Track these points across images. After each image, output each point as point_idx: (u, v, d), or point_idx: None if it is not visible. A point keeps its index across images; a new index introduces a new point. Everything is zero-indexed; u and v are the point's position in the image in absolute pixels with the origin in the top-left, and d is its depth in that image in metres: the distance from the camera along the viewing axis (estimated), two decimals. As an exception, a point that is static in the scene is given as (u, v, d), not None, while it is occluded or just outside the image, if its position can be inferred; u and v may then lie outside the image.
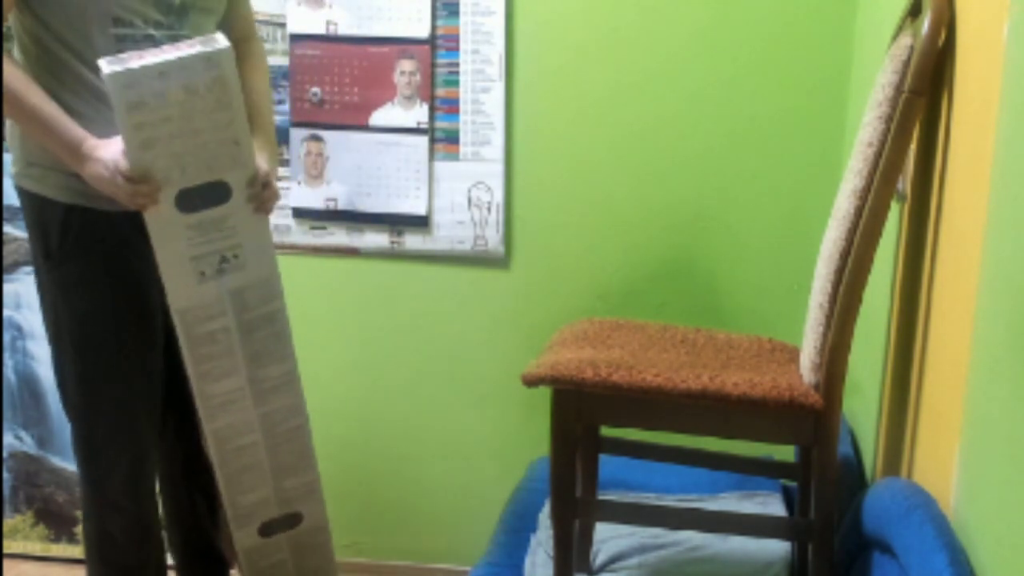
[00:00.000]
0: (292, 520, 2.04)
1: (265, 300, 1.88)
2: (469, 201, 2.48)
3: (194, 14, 1.79)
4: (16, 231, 2.76)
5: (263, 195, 1.80)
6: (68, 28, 1.69)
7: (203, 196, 1.75)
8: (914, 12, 1.53)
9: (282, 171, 2.61)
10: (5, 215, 2.75)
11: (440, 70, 2.43)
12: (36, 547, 2.89)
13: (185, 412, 1.97)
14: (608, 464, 1.93)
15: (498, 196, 2.47)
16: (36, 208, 1.77)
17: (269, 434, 1.94)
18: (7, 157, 2.70)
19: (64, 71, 1.71)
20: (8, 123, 1.80)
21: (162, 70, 1.63)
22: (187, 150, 1.71)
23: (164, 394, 1.93)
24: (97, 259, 1.77)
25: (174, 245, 1.75)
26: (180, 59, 1.64)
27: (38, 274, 1.82)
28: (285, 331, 1.92)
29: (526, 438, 2.45)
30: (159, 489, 2.06)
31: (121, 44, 1.70)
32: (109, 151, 1.65)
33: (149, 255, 1.76)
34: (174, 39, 1.74)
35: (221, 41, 1.69)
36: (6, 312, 2.79)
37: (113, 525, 1.90)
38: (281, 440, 1.96)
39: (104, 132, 1.69)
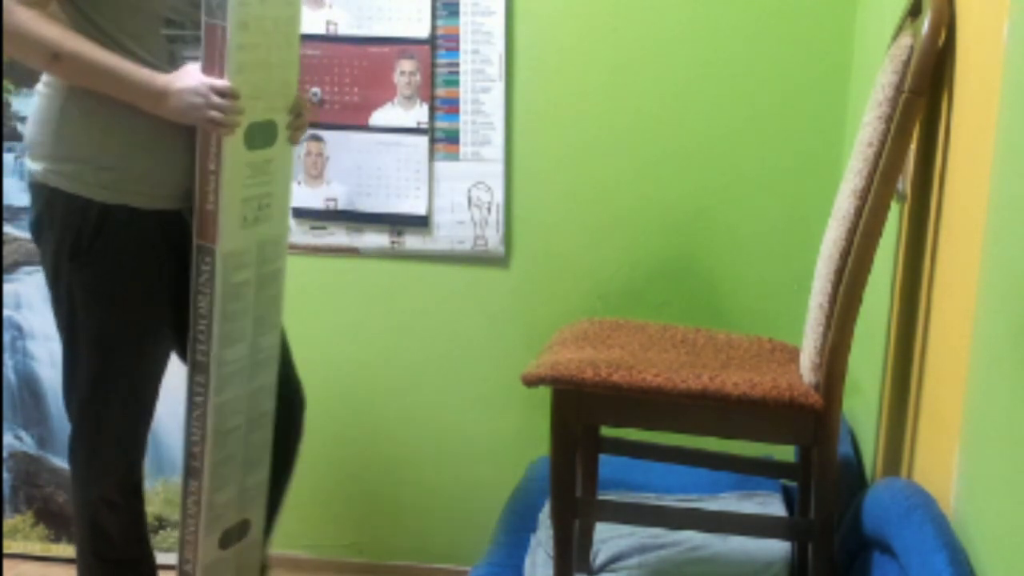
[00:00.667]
0: (243, 528, 1.99)
1: (277, 257, 1.88)
2: (469, 201, 2.48)
3: None
4: (16, 231, 2.76)
5: (296, 123, 1.83)
6: (119, 28, 1.69)
7: (262, 134, 1.76)
8: (914, 12, 1.53)
9: (282, 171, 2.61)
10: (5, 215, 2.75)
11: (440, 70, 2.43)
12: (36, 547, 2.89)
13: None
14: (608, 464, 1.93)
15: (498, 196, 2.46)
16: (65, 206, 1.74)
17: (249, 418, 1.90)
18: (8, 157, 2.71)
19: None
20: (34, 120, 1.78)
21: None
22: (262, 82, 1.72)
23: None
24: (125, 260, 1.76)
25: (235, 182, 1.73)
26: None
27: (57, 273, 1.78)
28: (281, 295, 1.91)
29: (526, 438, 2.45)
30: None
31: (173, 45, 1.71)
32: (191, 76, 1.65)
33: (167, 261, 1.77)
34: None
35: None
36: (6, 312, 2.79)
37: (108, 521, 1.91)
38: (255, 426, 1.92)
39: (157, 127, 1.69)
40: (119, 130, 1.71)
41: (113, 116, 1.69)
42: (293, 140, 1.85)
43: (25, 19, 1.60)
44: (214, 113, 1.64)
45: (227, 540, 1.95)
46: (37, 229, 1.81)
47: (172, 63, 1.70)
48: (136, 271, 1.77)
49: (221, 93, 1.64)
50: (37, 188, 1.78)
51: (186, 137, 1.71)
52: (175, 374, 2.88)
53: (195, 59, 1.68)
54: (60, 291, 1.79)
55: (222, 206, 1.71)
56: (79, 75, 1.67)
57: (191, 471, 1.87)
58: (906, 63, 1.41)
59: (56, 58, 1.63)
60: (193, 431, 1.84)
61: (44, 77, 1.76)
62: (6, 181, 2.74)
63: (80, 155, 1.72)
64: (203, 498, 1.88)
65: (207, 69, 1.65)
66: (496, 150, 2.44)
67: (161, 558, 2.88)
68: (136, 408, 1.88)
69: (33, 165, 1.77)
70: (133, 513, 1.95)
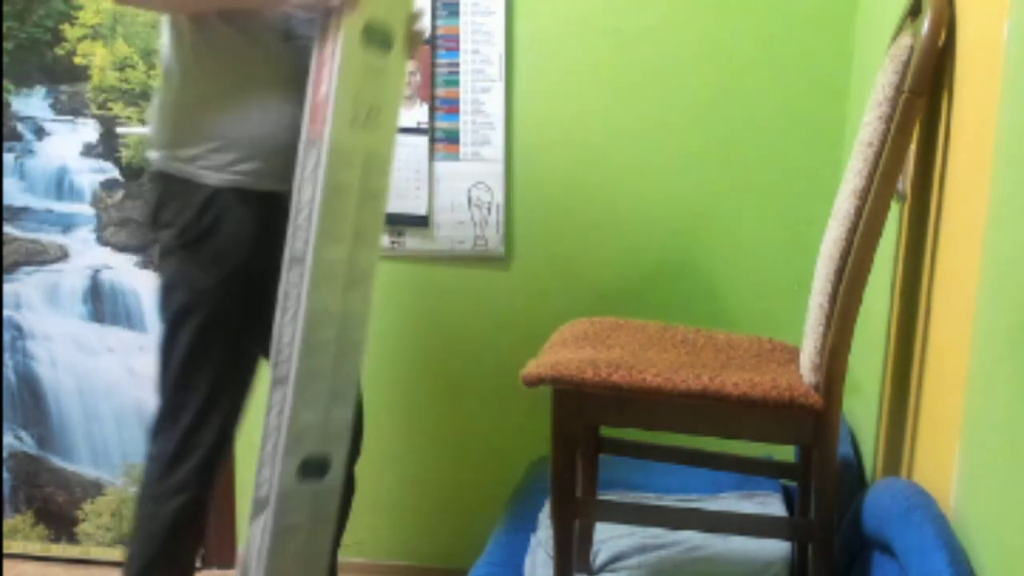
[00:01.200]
0: (323, 465, 1.90)
1: (381, 175, 1.86)
2: (469, 201, 2.48)
3: None
4: (16, 231, 2.76)
5: (412, 34, 1.85)
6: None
7: (379, 35, 1.75)
8: (914, 12, 1.53)
9: (282, 171, 2.61)
10: (5, 215, 2.76)
11: (440, 70, 2.43)
12: (36, 547, 2.89)
13: None
14: (608, 464, 1.93)
15: (498, 196, 2.46)
16: (179, 191, 1.76)
17: (339, 337, 1.85)
18: (8, 157, 2.71)
19: (230, 54, 1.73)
20: (153, 113, 1.79)
21: None
22: None
23: None
24: (237, 241, 1.77)
25: (349, 74, 1.72)
26: None
27: (168, 258, 1.80)
28: (382, 218, 1.89)
29: (526, 438, 2.45)
30: None
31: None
32: None
33: (279, 248, 1.76)
34: None
35: None
36: (6, 312, 2.79)
37: (175, 506, 1.87)
38: (345, 352, 1.86)
39: (267, 103, 1.72)
40: (230, 113, 1.73)
41: (224, 99, 1.73)
42: (410, 51, 1.85)
43: None
44: None
45: (306, 471, 1.86)
46: (154, 217, 1.81)
47: None
48: (248, 252, 1.78)
49: None
50: (157, 177, 1.79)
51: (296, 106, 1.73)
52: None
53: None
54: (171, 274, 1.80)
55: (334, 95, 1.69)
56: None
57: (276, 380, 1.79)
58: (906, 63, 1.41)
59: None
60: (284, 333, 1.78)
61: (165, 73, 1.78)
62: (6, 181, 2.75)
63: (195, 140, 1.74)
64: (286, 412, 1.79)
65: None
66: (496, 150, 2.44)
67: (161, 558, 2.88)
68: (232, 390, 1.86)
69: (153, 154, 1.80)
70: (202, 504, 1.90)
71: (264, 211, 1.78)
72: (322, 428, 1.86)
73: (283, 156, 1.75)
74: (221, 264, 1.77)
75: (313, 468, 1.87)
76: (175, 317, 1.81)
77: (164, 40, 1.79)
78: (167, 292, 1.82)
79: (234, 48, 1.74)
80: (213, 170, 1.74)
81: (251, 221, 1.78)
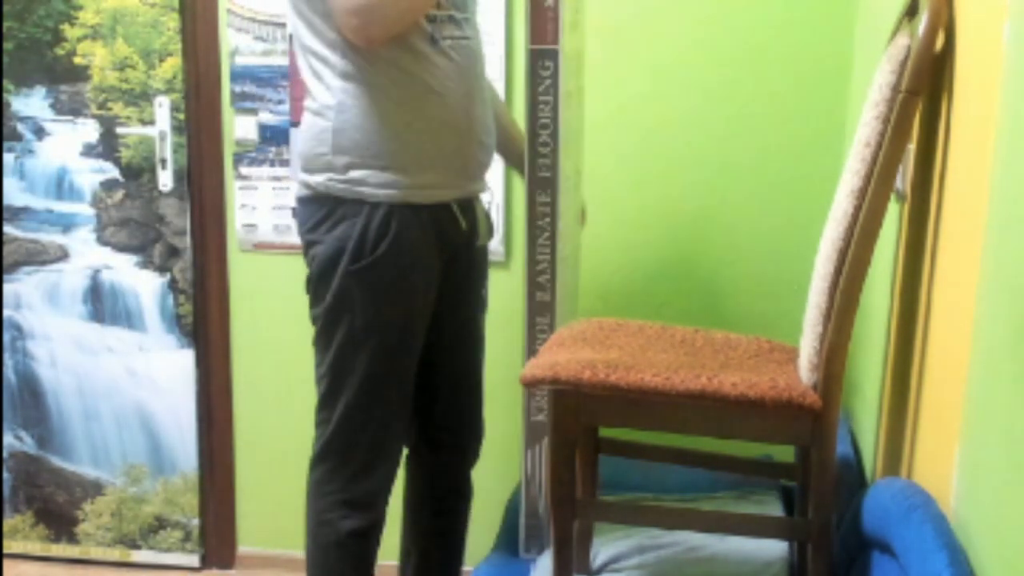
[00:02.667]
0: None
1: (579, 74, 1.88)
2: (469, 201, 2.47)
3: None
4: (16, 231, 2.76)
5: None
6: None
7: None
8: (911, 12, 1.53)
9: (282, 171, 2.61)
10: (5, 215, 2.76)
11: (440, 70, 2.42)
12: (36, 547, 2.89)
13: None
14: (607, 464, 1.93)
15: (498, 196, 2.46)
16: (349, 212, 1.73)
17: (573, 250, 1.84)
18: (8, 157, 2.71)
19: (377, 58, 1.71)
20: (308, 137, 1.76)
21: None
22: None
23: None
24: (408, 261, 1.75)
25: None
26: None
27: (331, 279, 1.75)
28: (583, 119, 1.94)
29: (526, 438, 2.45)
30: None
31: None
32: None
33: (437, 259, 1.79)
34: (468, 21, 1.80)
35: None
36: (6, 312, 2.79)
37: (356, 524, 1.86)
38: (574, 262, 1.86)
39: (427, 123, 1.73)
40: (390, 133, 1.72)
41: (384, 120, 1.71)
42: None
43: None
44: None
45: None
46: (312, 237, 1.78)
47: None
48: (415, 270, 1.77)
49: None
50: (318, 200, 1.76)
51: (458, 119, 1.74)
52: (173, 373, 2.89)
53: None
54: (336, 297, 1.75)
55: (561, 2, 1.67)
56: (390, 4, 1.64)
57: (538, 307, 1.79)
58: (903, 63, 1.41)
59: None
60: (539, 260, 1.76)
61: (309, 100, 1.76)
62: (6, 181, 2.75)
63: (362, 161, 1.72)
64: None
65: None
66: (496, 150, 2.44)
67: (161, 558, 2.89)
68: (401, 409, 1.85)
69: (312, 178, 1.76)
70: (377, 523, 1.90)
71: (430, 223, 1.77)
72: None
73: (447, 163, 1.77)
74: (395, 285, 1.75)
75: None
76: (346, 342, 1.77)
77: (306, 63, 1.76)
78: (331, 316, 1.77)
79: (395, 63, 1.71)
80: (380, 187, 1.72)
81: (419, 238, 1.76)
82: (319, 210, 1.76)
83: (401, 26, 1.66)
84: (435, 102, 1.73)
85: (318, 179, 1.75)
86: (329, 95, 1.73)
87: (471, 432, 2.10)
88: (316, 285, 1.79)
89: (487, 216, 1.98)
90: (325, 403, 1.82)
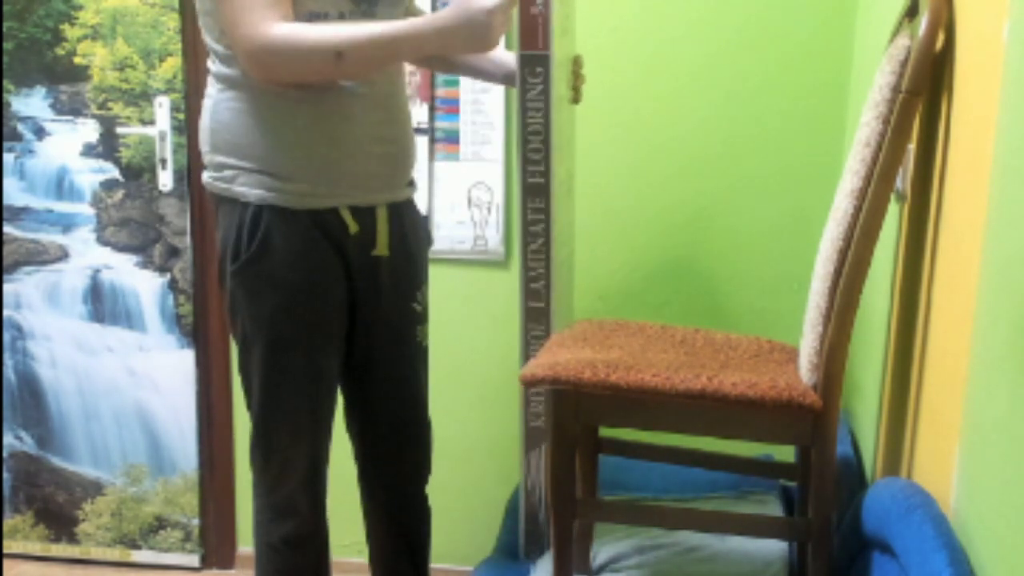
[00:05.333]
0: None
1: (574, 76, 1.89)
2: (469, 201, 2.48)
3: (382, 3, 1.70)
4: (16, 231, 2.76)
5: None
6: None
7: None
8: (911, 12, 1.53)
9: (282, 171, 2.61)
10: (5, 215, 2.76)
11: (440, 70, 2.42)
12: (36, 547, 2.89)
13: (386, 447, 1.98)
14: (607, 464, 1.93)
15: (498, 196, 2.46)
16: (226, 210, 1.71)
17: (568, 254, 1.82)
18: (8, 157, 2.71)
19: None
20: (204, 130, 1.73)
21: None
22: None
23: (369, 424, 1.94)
24: (283, 259, 1.69)
25: None
26: None
27: (224, 279, 1.74)
28: (575, 122, 1.94)
29: (526, 438, 2.45)
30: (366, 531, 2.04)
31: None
32: None
33: (332, 257, 1.71)
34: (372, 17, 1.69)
35: None
36: (6, 312, 2.79)
37: (285, 530, 1.82)
38: (568, 265, 1.83)
39: (306, 124, 1.65)
40: (265, 130, 1.66)
41: (259, 117, 1.65)
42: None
43: (288, 35, 1.54)
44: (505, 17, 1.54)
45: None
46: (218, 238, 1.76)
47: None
48: (294, 268, 1.70)
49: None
50: (212, 197, 1.75)
51: (334, 129, 1.66)
52: (173, 373, 2.89)
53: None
54: (229, 296, 1.74)
55: (551, 7, 1.65)
56: (366, 62, 1.59)
57: (532, 313, 1.77)
58: (903, 63, 1.41)
59: (339, 56, 1.55)
60: (533, 267, 1.74)
61: (210, 88, 1.71)
62: (6, 181, 2.75)
63: (232, 159, 1.68)
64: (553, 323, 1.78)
65: None
66: (496, 150, 2.44)
67: (161, 558, 2.89)
68: (311, 406, 1.79)
69: (203, 175, 1.75)
70: (313, 523, 1.84)
71: (308, 226, 1.70)
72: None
73: (327, 172, 1.68)
74: (272, 283, 1.70)
75: None
76: (243, 342, 1.75)
77: (211, 64, 1.72)
78: (231, 316, 1.76)
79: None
80: (248, 187, 1.68)
81: (294, 238, 1.69)
82: (215, 208, 1.75)
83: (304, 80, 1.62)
84: (306, 112, 1.64)
85: (205, 177, 1.74)
86: (211, 94, 1.70)
87: (415, 445, 2.03)
88: (220, 286, 1.78)
89: (417, 225, 1.87)
90: (247, 405, 1.81)
